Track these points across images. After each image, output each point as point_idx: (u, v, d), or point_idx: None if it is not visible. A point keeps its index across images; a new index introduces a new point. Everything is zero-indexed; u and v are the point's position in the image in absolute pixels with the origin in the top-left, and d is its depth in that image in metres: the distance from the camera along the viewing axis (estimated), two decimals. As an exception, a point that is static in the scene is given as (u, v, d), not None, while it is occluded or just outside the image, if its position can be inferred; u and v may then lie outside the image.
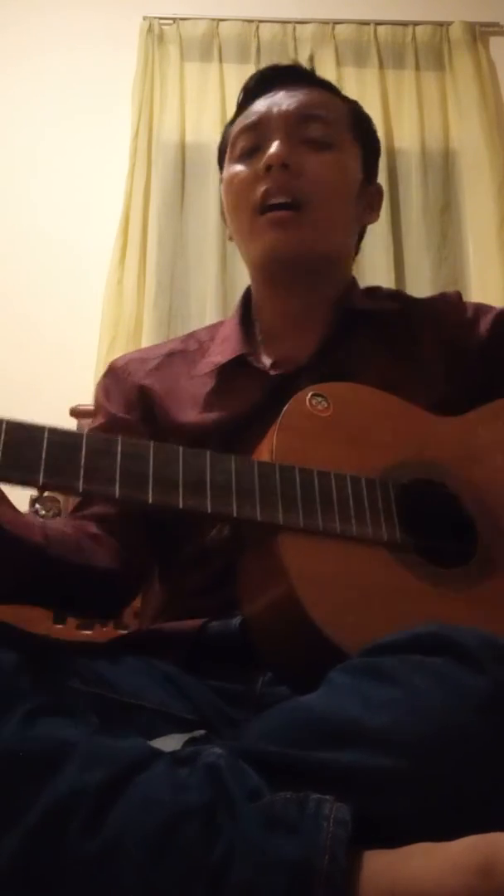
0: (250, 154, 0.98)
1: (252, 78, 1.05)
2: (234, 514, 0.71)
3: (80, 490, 0.67)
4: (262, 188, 0.94)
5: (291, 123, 0.97)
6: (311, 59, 1.12)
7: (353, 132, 1.02)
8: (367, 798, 0.52)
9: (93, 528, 0.92)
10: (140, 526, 0.94)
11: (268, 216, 0.94)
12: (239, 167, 0.99)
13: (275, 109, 0.97)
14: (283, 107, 0.97)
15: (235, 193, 0.99)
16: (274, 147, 0.94)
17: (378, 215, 1.08)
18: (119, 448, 0.70)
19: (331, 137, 0.98)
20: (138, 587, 0.99)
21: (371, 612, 0.71)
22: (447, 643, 0.59)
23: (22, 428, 0.67)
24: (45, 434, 0.68)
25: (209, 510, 0.70)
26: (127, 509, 0.93)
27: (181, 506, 0.70)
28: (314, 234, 0.96)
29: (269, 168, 0.94)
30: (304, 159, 0.95)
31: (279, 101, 0.98)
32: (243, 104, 1.03)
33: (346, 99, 1.06)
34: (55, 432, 0.68)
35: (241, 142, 0.99)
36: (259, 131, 0.98)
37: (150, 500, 0.69)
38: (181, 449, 0.72)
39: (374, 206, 1.07)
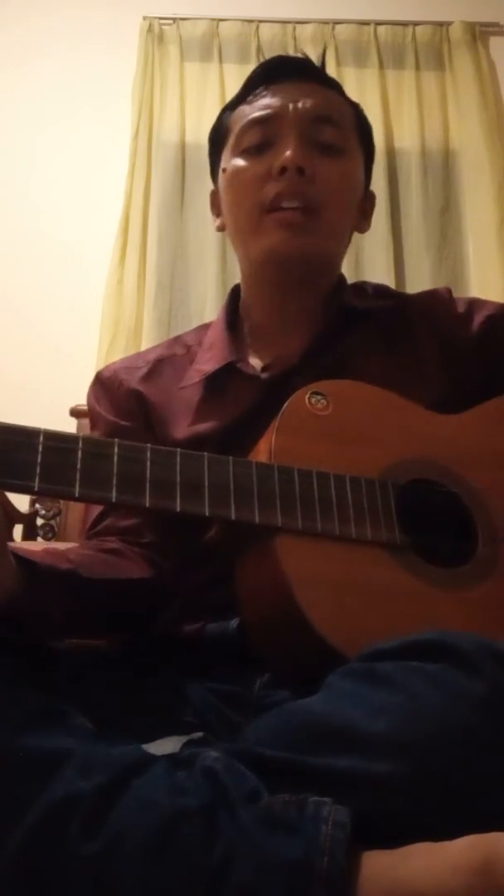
0: (259, 150, 0.95)
1: (262, 65, 1.02)
2: (233, 517, 0.71)
3: (77, 495, 0.66)
4: (273, 189, 0.92)
5: (306, 124, 0.94)
6: (324, 54, 1.08)
7: (358, 137, 1.00)
8: (365, 800, 0.52)
9: (112, 543, 0.90)
10: (162, 527, 0.92)
11: (277, 216, 0.92)
12: (246, 163, 0.96)
13: (290, 107, 0.94)
14: (299, 105, 0.94)
15: (241, 191, 0.96)
16: (291, 150, 0.92)
17: (370, 224, 1.07)
18: (115, 451, 0.69)
19: (342, 142, 0.96)
20: (175, 589, 0.94)
21: (370, 613, 0.71)
22: (445, 648, 0.59)
23: (15, 432, 0.66)
24: (41, 439, 0.66)
25: (207, 513, 0.70)
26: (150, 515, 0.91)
27: (178, 509, 0.69)
28: (319, 240, 0.94)
29: (283, 170, 0.92)
30: (317, 165, 0.93)
31: (293, 97, 0.95)
32: (248, 91, 0.99)
33: (350, 101, 1.03)
34: (50, 436, 0.67)
35: (250, 136, 0.96)
36: (271, 127, 0.95)
37: (148, 504, 0.68)
38: (178, 451, 0.71)
39: (367, 213, 1.06)
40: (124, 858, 0.50)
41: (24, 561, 0.71)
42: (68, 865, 0.50)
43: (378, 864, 0.50)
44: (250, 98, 0.99)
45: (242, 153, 0.96)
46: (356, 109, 1.03)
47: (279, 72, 0.99)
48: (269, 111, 0.95)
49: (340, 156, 0.96)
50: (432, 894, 0.48)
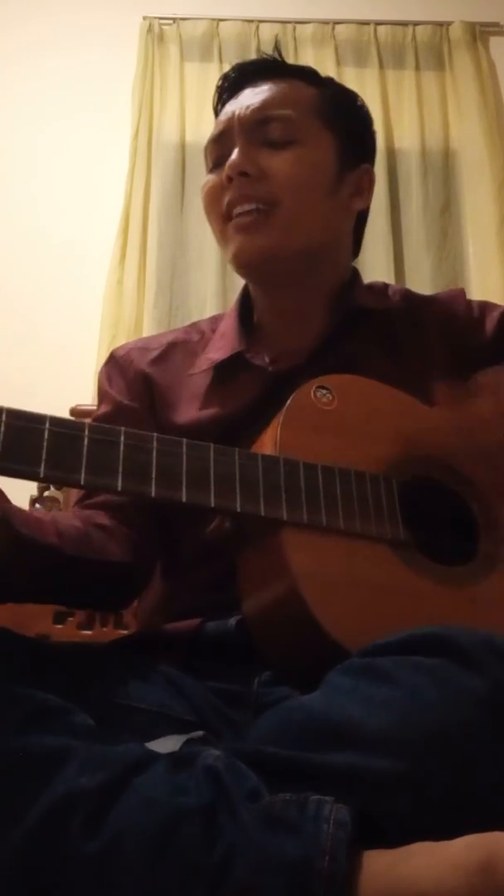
0: (218, 164, 0.97)
1: (222, 78, 1.04)
2: (238, 509, 0.71)
3: (82, 482, 0.66)
4: (227, 198, 0.94)
5: (249, 128, 0.95)
6: (276, 46, 1.08)
7: (321, 120, 0.97)
8: (366, 798, 0.52)
9: (102, 519, 0.91)
10: (151, 512, 0.94)
11: (233, 222, 0.94)
12: (209, 177, 0.99)
13: (235, 116, 0.96)
14: (241, 112, 0.96)
15: (207, 206, 0.99)
16: (232, 156, 0.94)
17: (369, 198, 1.04)
18: (122, 439, 0.69)
19: (292, 134, 0.95)
20: (150, 577, 0.97)
21: (373, 609, 0.71)
22: (446, 644, 0.59)
23: (22, 417, 0.65)
24: (47, 424, 0.66)
25: (212, 504, 0.70)
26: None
27: (184, 500, 0.69)
28: (283, 233, 0.93)
29: (230, 179, 0.94)
30: (264, 162, 0.93)
31: (240, 105, 0.97)
32: (216, 109, 1.03)
33: (316, 82, 1.01)
34: (57, 422, 0.67)
35: (210, 154, 0.99)
36: (223, 141, 0.97)
37: (154, 494, 0.68)
38: (184, 441, 0.71)
39: (363, 189, 1.02)
40: (124, 857, 0.50)
41: (7, 524, 0.73)
42: (69, 864, 0.50)
43: (378, 864, 0.50)
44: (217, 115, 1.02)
45: (210, 171, 1.00)
46: (322, 89, 1.01)
47: (238, 81, 1.01)
48: (219, 128, 0.99)
49: (291, 146, 0.95)
50: (433, 893, 0.48)
